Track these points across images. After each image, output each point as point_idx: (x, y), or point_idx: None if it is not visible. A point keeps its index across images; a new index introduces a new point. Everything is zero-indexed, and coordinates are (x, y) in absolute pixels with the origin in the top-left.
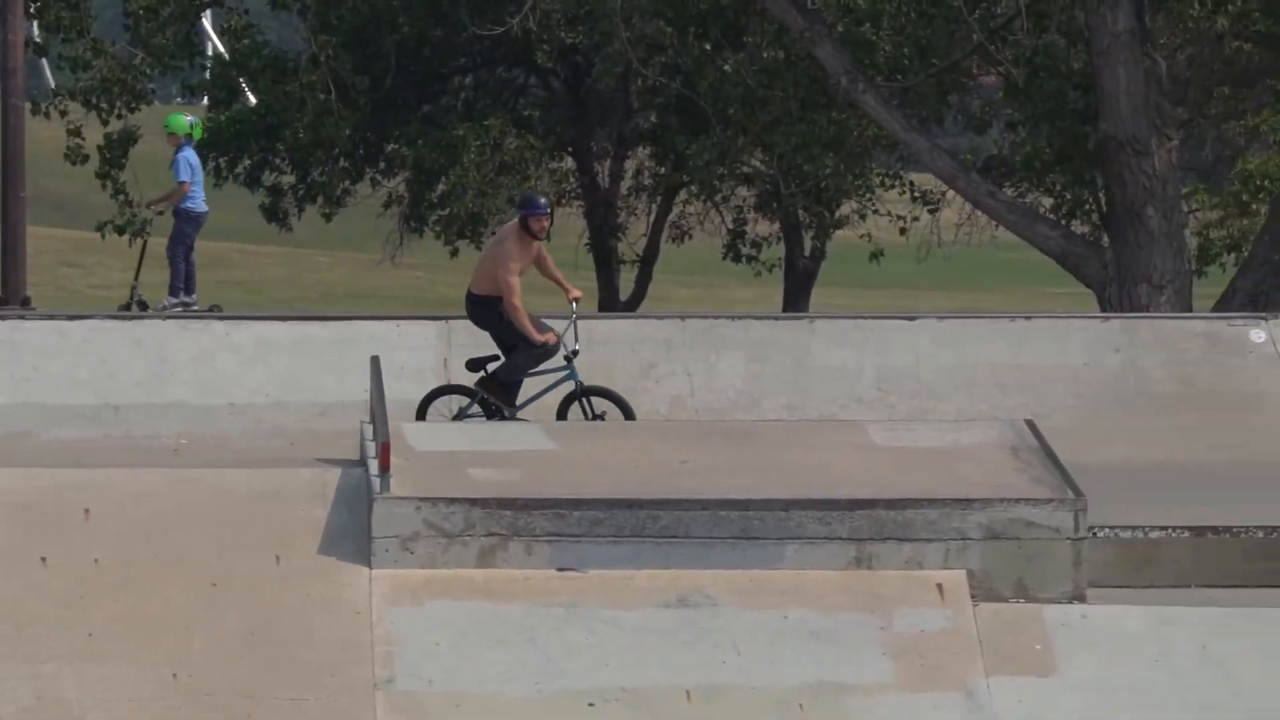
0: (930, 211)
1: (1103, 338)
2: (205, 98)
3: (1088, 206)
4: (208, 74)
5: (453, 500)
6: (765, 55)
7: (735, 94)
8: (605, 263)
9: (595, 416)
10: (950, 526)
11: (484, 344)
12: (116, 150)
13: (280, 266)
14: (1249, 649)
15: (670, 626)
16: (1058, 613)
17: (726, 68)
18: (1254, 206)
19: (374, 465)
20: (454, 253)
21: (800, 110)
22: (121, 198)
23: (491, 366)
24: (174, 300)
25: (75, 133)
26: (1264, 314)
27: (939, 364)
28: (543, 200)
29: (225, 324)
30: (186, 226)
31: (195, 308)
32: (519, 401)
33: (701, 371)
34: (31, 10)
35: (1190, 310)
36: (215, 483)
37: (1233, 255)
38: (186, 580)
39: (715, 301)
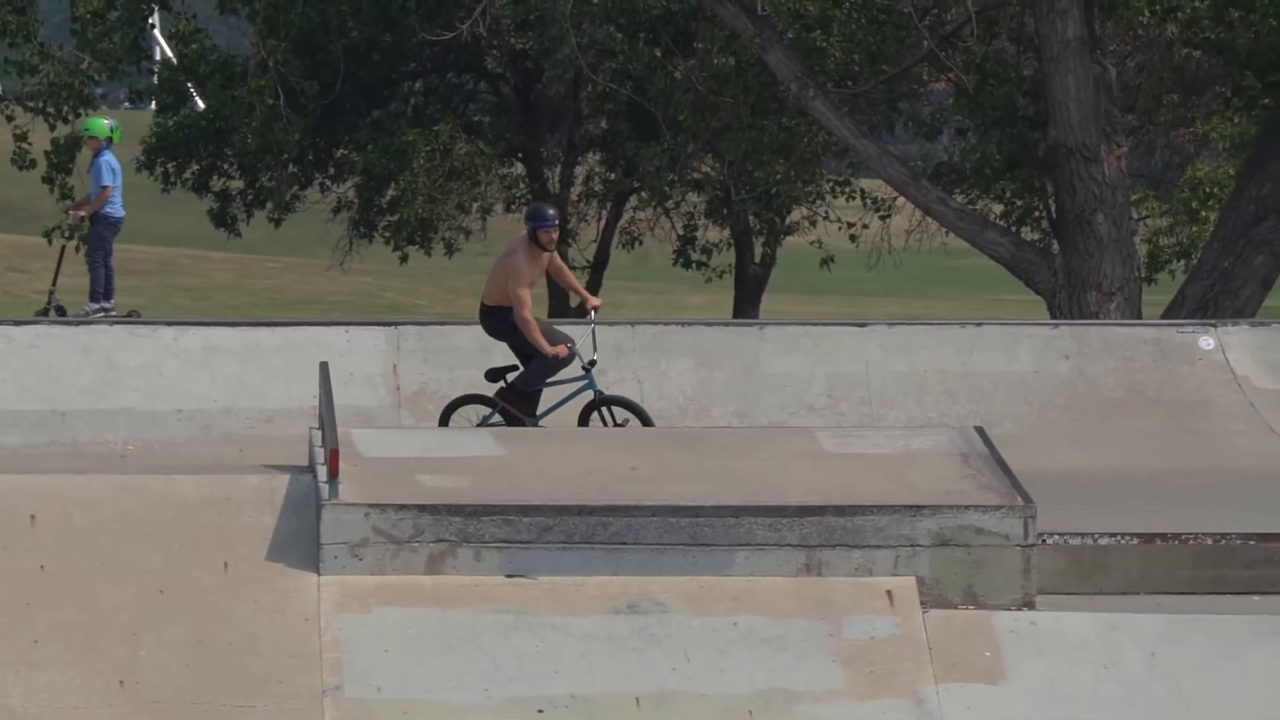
0: (881, 218)
1: (1052, 345)
2: (153, 103)
3: (1037, 213)
4: (156, 79)
5: (402, 506)
6: (716, 61)
7: (686, 100)
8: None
9: (616, 425)
10: (900, 533)
11: (437, 351)
12: (63, 155)
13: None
14: (1197, 656)
15: (620, 633)
16: (1007, 619)
17: (677, 74)
18: (1203, 214)
19: (322, 472)
20: (403, 258)
21: (750, 116)
22: (68, 202)
23: (511, 376)
24: (94, 306)
25: (22, 137)
26: (1213, 321)
27: (889, 371)
28: (551, 212)
29: (173, 330)
30: (105, 232)
31: (114, 313)
32: (539, 411)
33: (652, 378)
34: None
35: (1139, 317)
36: (163, 489)
37: (1182, 262)
38: (134, 587)
39: (666, 308)
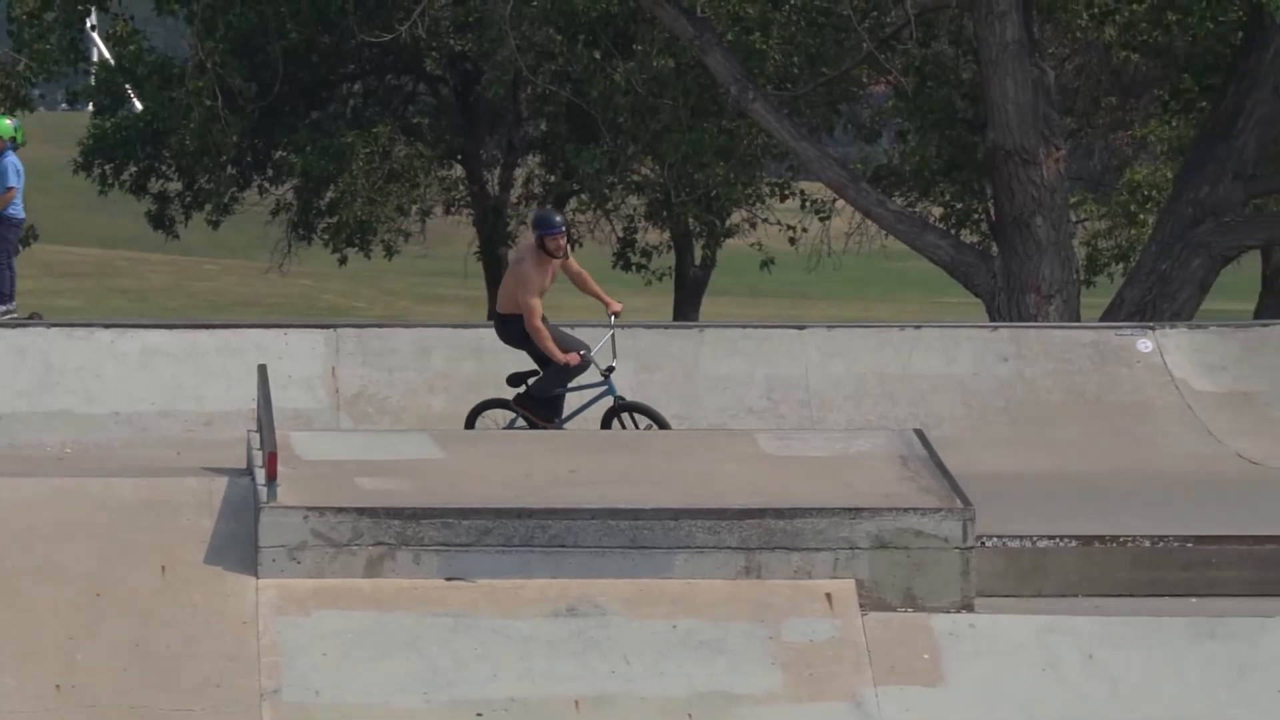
0: (820, 220)
1: (991, 347)
2: (91, 104)
3: (977, 216)
4: (93, 80)
5: (340, 509)
6: (655, 64)
7: (625, 102)
8: (495, 271)
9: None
10: (839, 536)
11: (376, 354)
12: None
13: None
14: (1134, 658)
15: (559, 636)
16: (946, 622)
17: (616, 76)
18: (1141, 217)
19: (261, 474)
20: (342, 260)
21: (690, 119)
22: None
23: (532, 381)
24: (2, 308)
25: None
26: (1151, 324)
27: (828, 373)
28: (558, 219)
29: (111, 332)
30: (9, 233)
31: (15, 315)
32: (565, 415)
33: None
34: None
35: (1078, 320)
36: (100, 492)
37: (1120, 265)
38: (71, 590)
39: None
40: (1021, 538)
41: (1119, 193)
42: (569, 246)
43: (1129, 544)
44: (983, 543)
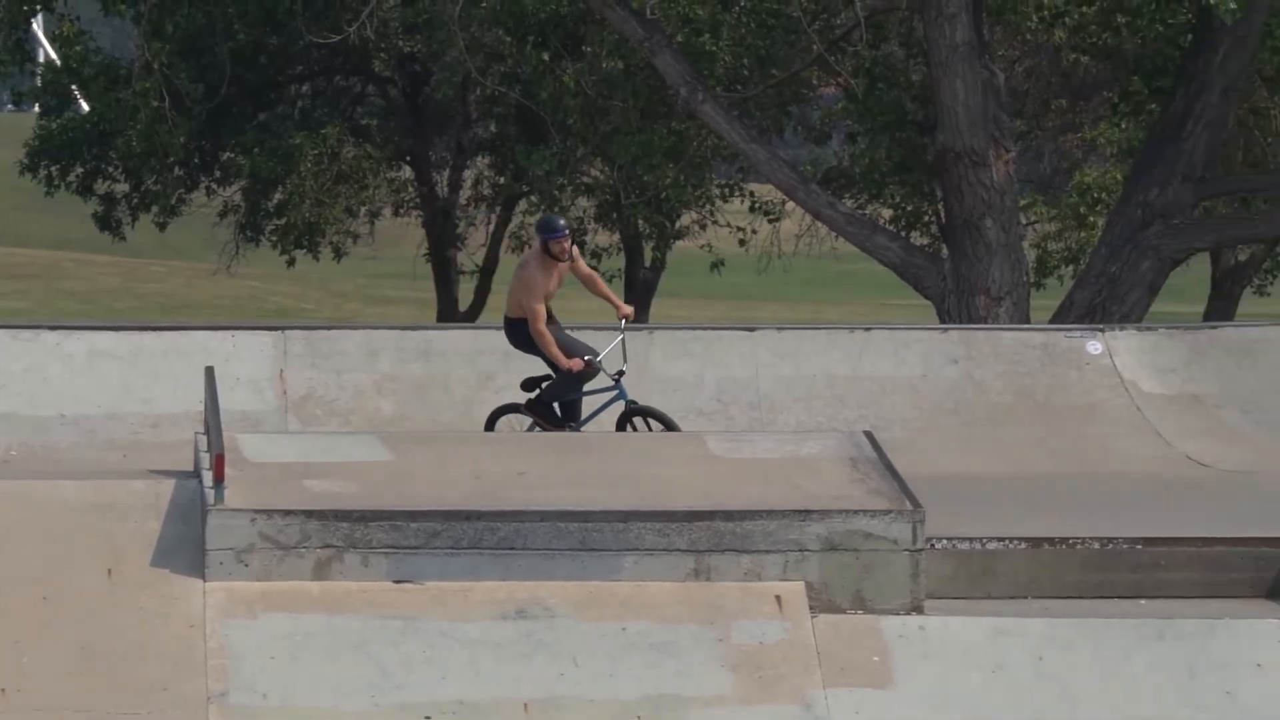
0: (770, 222)
1: (941, 349)
2: (36, 105)
3: (927, 218)
4: (39, 81)
5: (288, 512)
6: (605, 65)
7: (575, 104)
8: (444, 273)
9: None
10: (788, 538)
11: (325, 356)
12: None
13: (114, 276)
14: (1084, 660)
15: (508, 639)
16: (895, 624)
17: (566, 77)
18: (1091, 219)
19: (208, 477)
20: (290, 262)
21: (640, 120)
22: None
23: (545, 386)
24: None
25: None
26: (1100, 326)
27: (778, 375)
28: (561, 222)
29: (57, 334)
30: None
31: None
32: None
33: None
34: None
35: (1028, 322)
36: (46, 494)
37: (1070, 267)
38: (16, 594)
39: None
40: (971, 540)
41: (1069, 195)
42: (574, 249)
43: (1078, 546)
44: (932, 545)
